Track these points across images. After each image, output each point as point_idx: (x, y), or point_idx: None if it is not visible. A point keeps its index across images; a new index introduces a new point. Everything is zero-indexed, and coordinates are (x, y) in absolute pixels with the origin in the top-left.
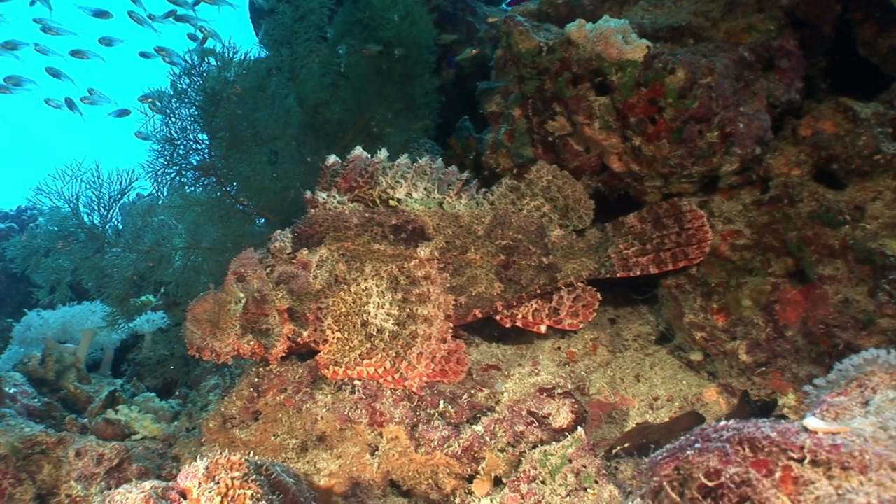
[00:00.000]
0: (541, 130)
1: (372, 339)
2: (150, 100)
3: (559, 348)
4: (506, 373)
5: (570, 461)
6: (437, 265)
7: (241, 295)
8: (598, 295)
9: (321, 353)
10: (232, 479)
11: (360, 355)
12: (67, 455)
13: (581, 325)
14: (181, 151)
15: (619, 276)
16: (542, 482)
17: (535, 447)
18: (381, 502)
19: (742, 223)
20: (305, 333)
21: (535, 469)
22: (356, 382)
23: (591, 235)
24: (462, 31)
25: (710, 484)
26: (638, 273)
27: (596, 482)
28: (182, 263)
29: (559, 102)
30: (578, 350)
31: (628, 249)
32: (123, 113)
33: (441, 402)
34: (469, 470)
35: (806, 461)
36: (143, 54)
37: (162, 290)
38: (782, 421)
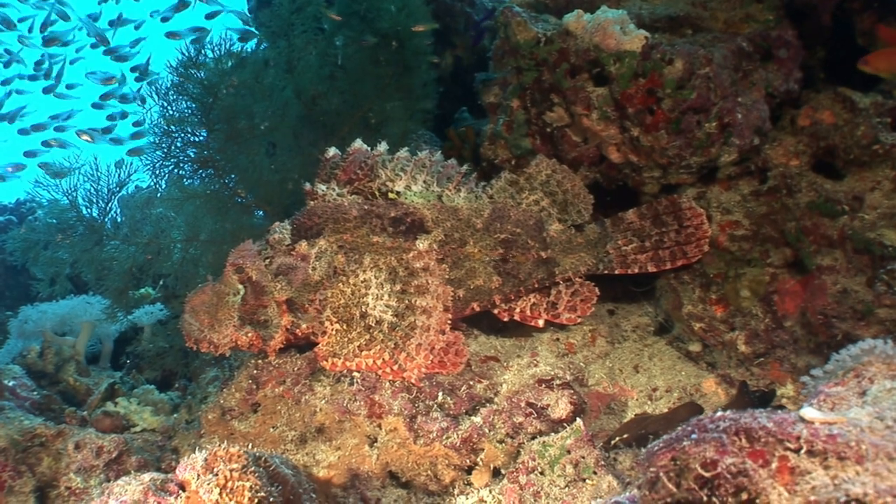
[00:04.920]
0: (539, 121)
1: (371, 331)
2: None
3: (558, 339)
4: (504, 364)
5: (569, 452)
6: (435, 257)
7: (240, 286)
8: (596, 290)
9: (320, 345)
10: (230, 470)
11: (358, 347)
12: (67, 447)
13: (579, 320)
14: (179, 144)
15: (617, 272)
16: (541, 473)
17: (533, 438)
18: (380, 494)
19: (740, 214)
20: (304, 325)
21: (534, 460)
22: (355, 374)
23: (589, 231)
24: (460, 21)
25: (706, 474)
26: (636, 271)
27: (594, 473)
28: (181, 255)
29: (557, 93)
30: (577, 341)
31: (627, 246)
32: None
33: (440, 394)
34: (468, 461)
35: (802, 451)
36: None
37: (161, 283)
38: (779, 411)
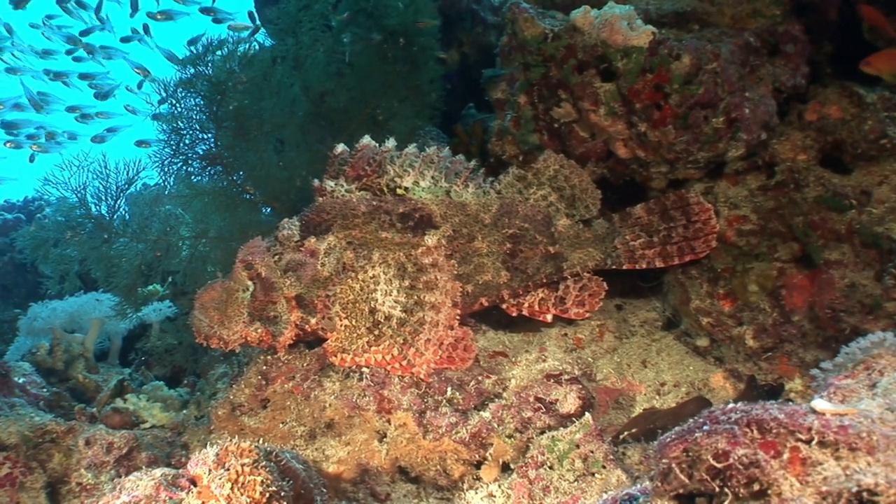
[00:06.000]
0: (546, 117)
1: (379, 327)
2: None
3: (566, 334)
4: (513, 359)
5: (578, 447)
6: (444, 252)
7: (249, 283)
8: (604, 284)
9: (329, 341)
10: (242, 465)
11: (367, 342)
12: (77, 444)
13: (587, 315)
14: (187, 141)
15: (625, 267)
16: (550, 468)
17: (542, 433)
18: (389, 489)
19: (748, 208)
20: (313, 321)
21: (543, 455)
22: (364, 370)
23: (597, 226)
24: (467, 19)
25: (718, 465)
26: (644, 266)
27: (603, 467)
28: (189, 253)
29: (565, 89)
30: (585, 336)
31: (635, 241)
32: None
33: (448, 389)
34: (477, 456)
35: (814, 442)
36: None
37: (169, 280)
38: (790, 403)
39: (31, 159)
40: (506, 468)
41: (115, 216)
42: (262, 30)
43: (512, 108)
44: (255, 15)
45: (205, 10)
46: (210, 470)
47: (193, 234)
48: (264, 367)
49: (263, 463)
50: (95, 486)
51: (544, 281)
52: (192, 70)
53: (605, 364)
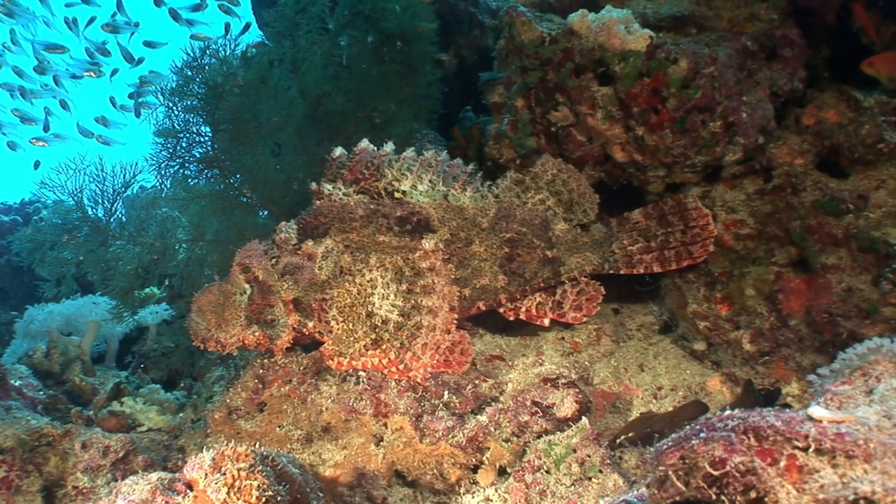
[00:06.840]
0: (543, 121)
1: (377, 330)
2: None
3: (563, 338)
4: (510, 363)
5: (575, 451)
6: (441, 256)
7: (246, 286)
8: (602, 289)
9: (326, 344)
10: (238, 470)
11: (364, 346)
12: (73, 447)
13: (584, 319)
14: (184, 144)
15: (622, 272)
16: (547, 472)
17: (539, 437)
18: (386, 492)
19: (745, 213)
20: (310, 324)
21: (540, 459)
22: (361, 373)
23: (595, 230)
24: (464, 22)
25: (715, 473)
26: (642, 271)
27: (600, 471)
28: (186, 256)
29: (562, 93)
30: (582, 340)
31: (633, 246)
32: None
33: (445, 393)
34: (474, 460)
35: (810, 450)
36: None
37: (166, 283)
38: (787, 410)
39: (36, 166)
40: (502, 472)
41: (111, 219)
42: (260, 33)
43: (509, 112)
44: (231, 7)
45: (173, 15)
46: (206, 474)
47: (190, 237)
48: (261, 371)
49: (260, 467)
50: (92, 490)
51: (542, 285)
52: (189, 73)
53: (602, 368)
